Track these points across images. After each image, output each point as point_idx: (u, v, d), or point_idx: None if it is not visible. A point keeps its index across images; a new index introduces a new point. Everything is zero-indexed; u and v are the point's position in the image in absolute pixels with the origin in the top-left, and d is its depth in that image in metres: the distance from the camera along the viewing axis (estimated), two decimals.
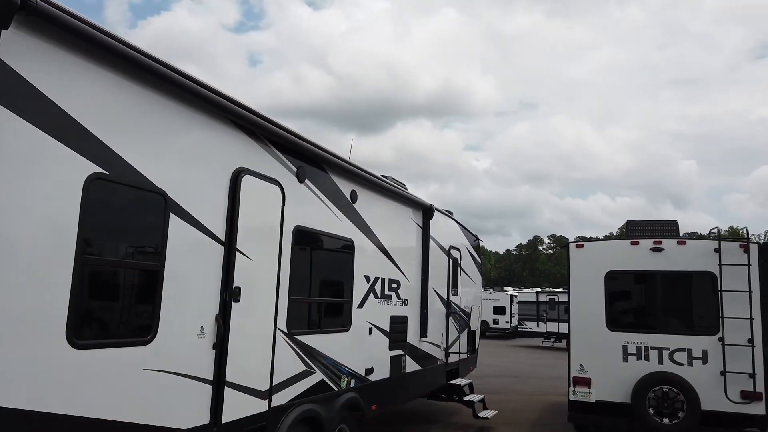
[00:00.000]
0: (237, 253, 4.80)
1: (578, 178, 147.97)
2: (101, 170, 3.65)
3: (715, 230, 8.29)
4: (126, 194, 3.90)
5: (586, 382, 8.16)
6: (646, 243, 8.38)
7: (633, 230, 9.46)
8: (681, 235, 9.10)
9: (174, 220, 4.20)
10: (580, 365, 8.25)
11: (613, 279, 8.45)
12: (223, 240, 4.71)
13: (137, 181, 3.92)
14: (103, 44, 3.60)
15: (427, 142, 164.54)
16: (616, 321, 8.35)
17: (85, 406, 3.46)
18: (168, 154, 4.25)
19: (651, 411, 7.69)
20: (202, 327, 4.42)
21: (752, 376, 7.44)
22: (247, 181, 4.97)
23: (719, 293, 7.76)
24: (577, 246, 8.79)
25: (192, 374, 4.30)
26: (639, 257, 8.35)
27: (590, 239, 9.08)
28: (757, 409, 7.43)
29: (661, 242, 8.32)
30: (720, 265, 7.79)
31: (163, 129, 4.22)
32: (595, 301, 8.37)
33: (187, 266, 4.32)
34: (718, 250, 7.86)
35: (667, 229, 9.28)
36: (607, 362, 8.12)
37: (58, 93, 3.42)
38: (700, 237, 8.97)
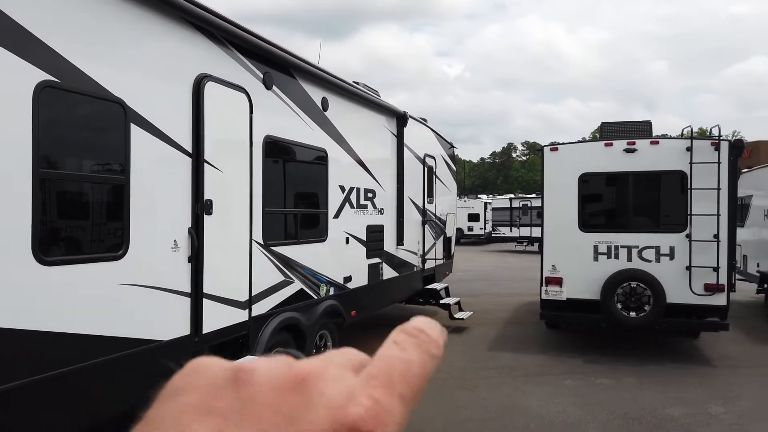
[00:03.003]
0: (206, 164, 4.65)
1: (550, 83, 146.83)
2: (51, 78, 3.39)
3: (688, 129, 8.31)
4: (81, 104, 3.67)
5: (558, 282, 8.42)
6: (620, 144, 8.38)
7: (607, 132, 9.45)
8: (653, 136, 9.13)
9: (135, 131, 3.99)
10: (553, 266, 8.47)
11: (586, 181, 8.52)
12: (190, 151, 4.54)
13: (92, 89, 3.68)
14: None
15: (396, 48, 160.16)
16: (588, 222, 8.51)
17: (60, 322, 3.42)
18: (123, 60, 3.97)
19: (619, 306, 8.02)
20: (175, 240, 4.34)
21: (716, 269, 7.75)
22: (210, 87, 4.72)
23: (689, 191, 7.90)
24: (551, 149, 8.77)
25: (169, 287, 4.28)
26: (612, 158, 8.38)
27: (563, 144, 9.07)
28: (719, 300, 7.80)
29: (634, 143, 8.33)
30: (691, 163, 7.88)
31: (117, 33, 3.92)
32: (568, 204, 8.47)
33: (154, 179, 4.18)
34: (690, 149, 7.91)
35: (640, 130, 9.29)
36: (578, 262, 8.35)
37: None
38: (673, 138, 9.01)
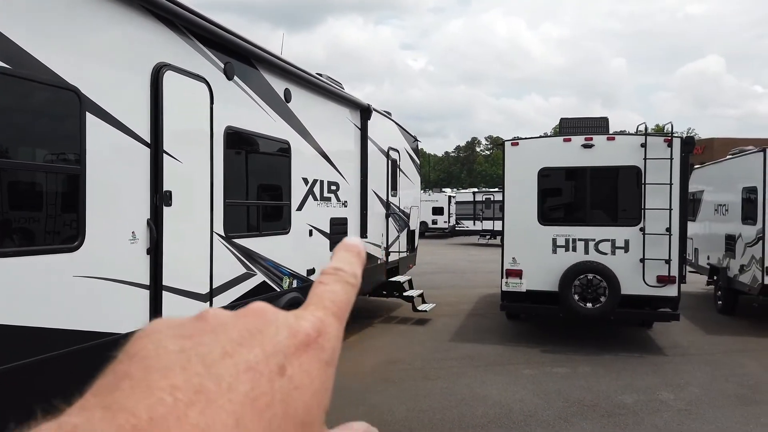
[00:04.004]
0: (165, 155, 4.57)
1: (513, 78, 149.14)
2: (1, 64, 3.29)
3: (643, 126, 8.57)
4: (33, 91, 3.57)
5: (518, 274, 8.60)
6: (578, 140, 8.58)
7: (566, 127, 9.67)
8: (610, 132, 9.38)
9: (91, 120, 3.90)
10: (513, 258, 8.64)
11: (546, 175, 8.70)
12: (149, 142, 4.46)
13: (45, 76, 3.58)
14: None
15: (361, 40, 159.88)
16: (547, 216, 8.71)
17: (12, 315, 3.33)
18: (78, 47, 3.87)
19: (576, 297, 8.25)
20: (133, 232, 4.27)
21: (668, 261, 8.04)
22: (169, 77, 4.64)
23: (643, 186, 8.16)
24: (512, 144, 8.92)
25: (127, 279, 4.21)
26: (571, 154, 8.58)
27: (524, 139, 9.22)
28: (670, 291, 8.10)
29: (591, 138, 8.55)
30: (645, 159, 8.13)
31: (72, 20, 3.82)
32: (528, 197, 8.65)
33: (111, 169, 4.09)
34: (644, 145, 8.16)
35: (598, 126, 9.54)
36: (537, 254, 8.54)
37: None
38: (629, 134, 9.28)
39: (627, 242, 8.28)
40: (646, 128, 8.46)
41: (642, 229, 8.17)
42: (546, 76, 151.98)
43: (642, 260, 8.13)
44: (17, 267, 3.37)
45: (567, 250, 8.46)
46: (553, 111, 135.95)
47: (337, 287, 0.38)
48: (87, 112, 3.87)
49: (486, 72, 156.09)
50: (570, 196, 8.99)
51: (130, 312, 4.27)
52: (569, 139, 8.62)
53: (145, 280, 4.40)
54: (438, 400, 6.05)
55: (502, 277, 8.74)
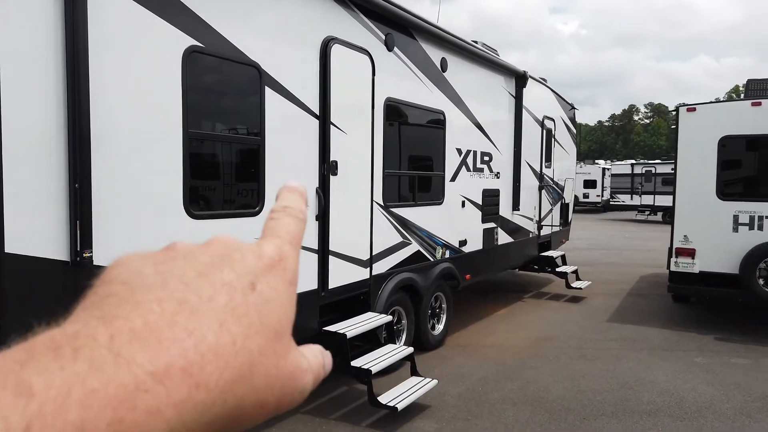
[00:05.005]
0: (332, 126, 4.77)
1: (677, 38, 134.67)
2: (197, 43, 3.61)
3: None
4: (221, 68, 3.88)
5: (690, 253, 7.83)
6: None
7: (754, 90, 8.54)
8: None
9: (269, 94, 4.17)
10: (684, 236, 7.88)
11: (727, 144, 7.76)
12: (317, 113, 4.67)
13: (231, 53, 3.87)
14: None
15: (507, 6, 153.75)
16: (727, 190, 7.79)
17: None
18: (257, 24, 4.13)
19: (761, 282, 7.33)
20: None
21: None
22: (336, 50, 4.80)
23: None
24: (688, 110, 8.05)
25: None
26: (761, 119, 7.54)
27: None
28: None
29: None
30: None
31: None
32: (706, 169, 7.78)
33: (285, 140, 4.36)
34: None
35: None
36: (714, 232, 7.70)
37: None
38: None
39: None
40: None
41: None
42: (716, 35, 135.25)
43: None
44: (210, 228, 3.74)
45: (752, 228, 7.51)
46: (727, 73, 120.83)
47: (288, 220, 0.41)
48: (266, 87, 4.14)
49: (644, 33, 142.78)
50: (757, 167, 7.94)
51: (302, 274, 4.55)
52: (759, 103, 7.57)
53: (314, 244, 4.67)
54: (597, 382, 5.76)
55: (670, 257, 8.02)
